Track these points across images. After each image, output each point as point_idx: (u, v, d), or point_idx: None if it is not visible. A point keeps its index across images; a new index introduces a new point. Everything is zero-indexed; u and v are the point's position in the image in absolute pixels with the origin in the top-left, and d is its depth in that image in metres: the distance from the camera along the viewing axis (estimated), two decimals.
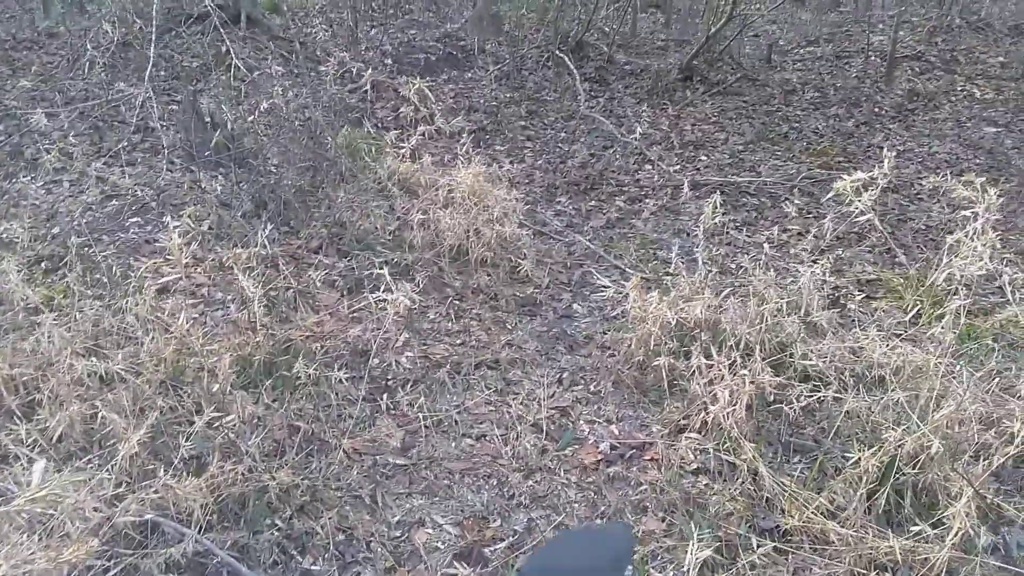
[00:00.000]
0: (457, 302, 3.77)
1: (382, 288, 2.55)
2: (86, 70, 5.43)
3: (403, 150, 4.32)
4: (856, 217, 2.62)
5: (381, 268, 2.68)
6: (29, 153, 4.77)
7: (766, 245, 3.11)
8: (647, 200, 5.16)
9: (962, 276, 2.36)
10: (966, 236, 2.39)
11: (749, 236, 4.58)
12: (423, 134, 4.24)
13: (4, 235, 3.43)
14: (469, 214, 4.03)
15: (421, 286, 3.48)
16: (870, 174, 2.64)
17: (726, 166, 5.82)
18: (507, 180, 4.34)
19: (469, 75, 7.23)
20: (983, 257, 2.35)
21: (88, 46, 5.57)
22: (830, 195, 2.73)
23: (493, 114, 6.46)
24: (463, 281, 3.93)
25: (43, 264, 3.61)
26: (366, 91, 5.25)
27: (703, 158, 6.00)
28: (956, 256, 2.37)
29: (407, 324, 3.42)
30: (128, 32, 5.23)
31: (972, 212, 2.43)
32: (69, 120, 4.93)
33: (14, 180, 4.43)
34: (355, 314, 3.45)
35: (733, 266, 4.10)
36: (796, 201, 4.57)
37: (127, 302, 2.80)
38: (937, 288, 2.71)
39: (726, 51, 7.74)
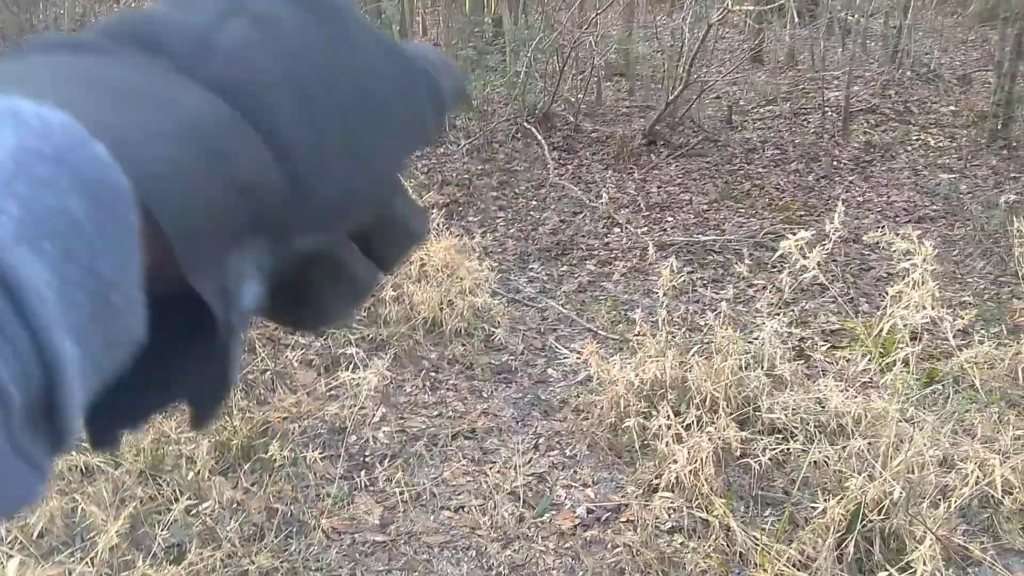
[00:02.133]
0: (433, 373, 3.85)
1: (356, 365, 2.64)
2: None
3: None
4: (804, 275, 2.75)
5: (356, 345, 2.77)
6: None
7: (724, 304, 3.23)
8: (616, 263, 5.30)
9: (906, 325, 2.48)
10: (906, 287, 2.52)
11: (716, 293, 4.71)
12: None
13: None
14: (442, 287, 4.14)
15: (396, 360, 3.56)
16: (818, 231, 2.79)
17: (692, 225, 6.01)
18: (480, 250, 4.48)
19: (441, 150, 7.46)
20: (925, 306, 2.48)
21: None
22: (778, 253, 2.87)
23: (465, 186, 6.65)
24: (439, 352, 4.01)
25: None
26: None
27: (669, 219, 6.19)
28: (898, 306, 2.49)
29: (383, 399, 3.49)
30: None
31: (911, 263, 2.57)
32: None
33: None
34: (332, 392, 3.52)
35: (701, 323, 4.21)
36: (755, 255, 4.73)
37: None
38: (891, 336, 2.83)
39: (687, 115, 8.04)
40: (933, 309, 2.47)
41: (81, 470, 2.68)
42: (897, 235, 2.61)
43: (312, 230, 0.33)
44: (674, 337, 3.38)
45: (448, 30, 8.29)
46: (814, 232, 2.91)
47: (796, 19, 9.73)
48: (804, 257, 2.73)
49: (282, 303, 0.37)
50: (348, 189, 0.33)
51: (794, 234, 2.85)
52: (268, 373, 3.53)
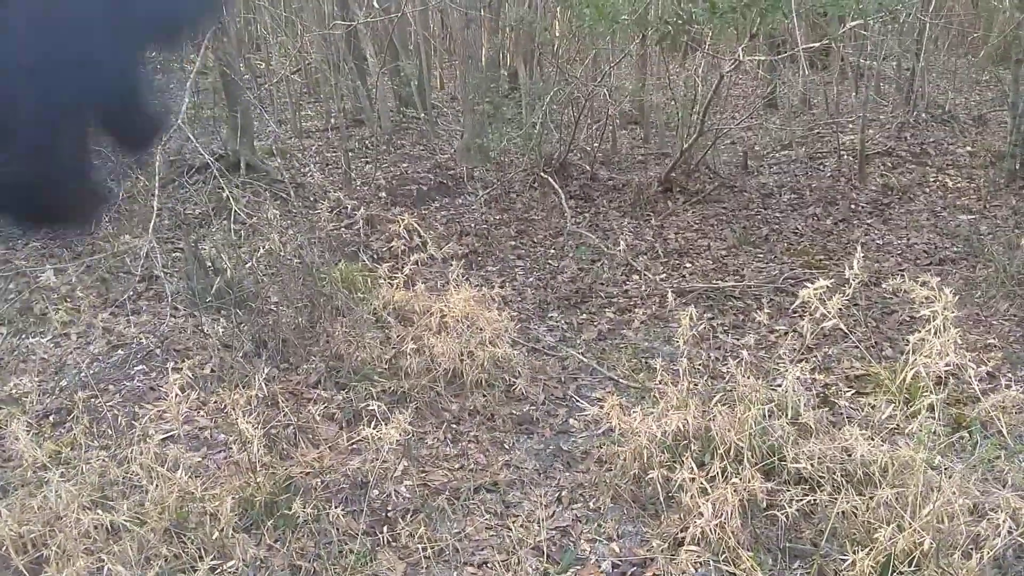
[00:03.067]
0: (454, 425, 3.85)
1: (378, 419, 2.65)
2: (93, 225, 5.73)
3: (397, 280, 4.51)
4: (825, 322, 2.75)
5: (377, 399, 2.79)
6: (38, 309, 4.98)
7: (745, 351, 3.22)
8: (636, 310, 5.31)
9: (929, 372, 2.46)
10: (928, 334, 2.51)
11: (737, 339, 4.69)
12: (416, 262, 4.44)
13: (13, 391, 3.57)
14: (462, 338, 4.17)
15: (418, 412, 3.57)
16: (838, 275, 2.79)
17: (710, 271, 6.01)
18: (499, 300, 4.51)
19: (460, 201, 7.57)
20: (947, 353, 2.46)
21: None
22: (799, 300, 2.87)
23: (484, 236, 6.72)
24: (459, 404, 4.01)
25: (51, 418, 3.72)
26: (360, 226, 5.51)
27: (688, 265, 6.20)
28: (920, 354, 2.47)
29: (405, 452, 3.49)
30: (133, 186, 5.56)
31: (932, 311, 2.56)
32: (77, 274, 5.17)
33: (24, 336, 4.61)
34: (354, 446, 3.53)
35: (723, 370, 4.19)
36: (775, 300, 4.71)
37: (132, 451, 2.90)
38: (915, 383, 2.80)
39: (703, 161, 8.11)
40: (956, 356, 2.45)
41: (106, 528, 2.70)
42: (916, 282, 2.61)
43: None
44: (696, 385, 3.36)
45: (465, 85, 8.47)
46: (834, 277, 2.91)
47: (807, 71, 9.84)
48: (824, 304, 2.73)
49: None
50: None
51: (814, 279, 2.85)
52: (291, 428, 3.55)
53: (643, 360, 4.60)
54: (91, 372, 3.94)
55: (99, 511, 2.64)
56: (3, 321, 4.80)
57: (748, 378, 3.21)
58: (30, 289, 5.14)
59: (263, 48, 10.72)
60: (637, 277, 5.92)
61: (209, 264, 4.91)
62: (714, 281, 5.73)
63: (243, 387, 3.20)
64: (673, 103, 9.04)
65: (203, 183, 6.43)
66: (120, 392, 3.92)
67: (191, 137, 4.88)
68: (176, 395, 2.71)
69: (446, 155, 8.43)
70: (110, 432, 3.19)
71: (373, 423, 2.99)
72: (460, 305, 4.30)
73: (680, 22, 6.14)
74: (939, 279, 2.64)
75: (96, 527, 2.64)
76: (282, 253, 4.66)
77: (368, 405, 3.75)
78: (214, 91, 7.79)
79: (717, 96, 7.65)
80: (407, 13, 8.61)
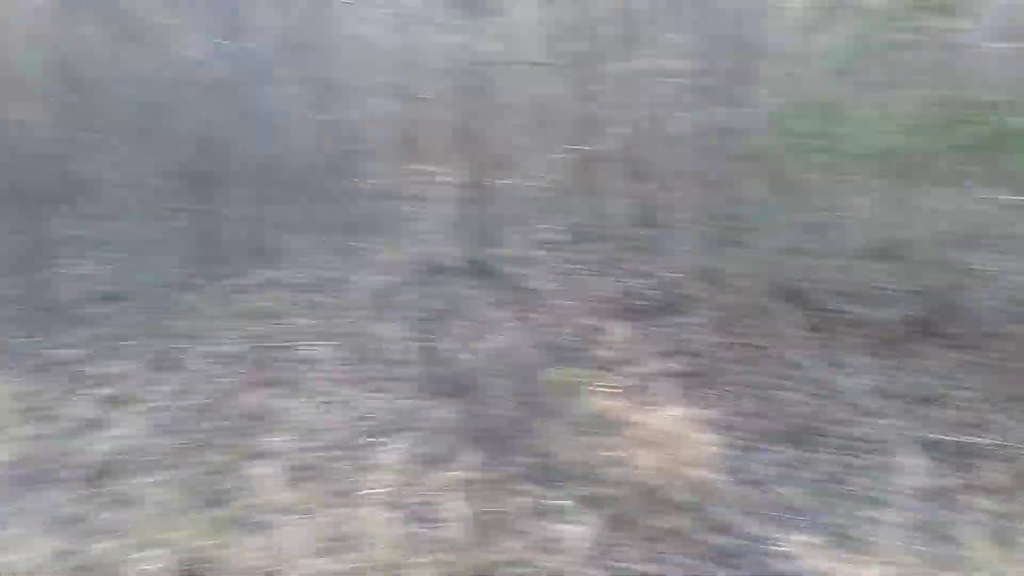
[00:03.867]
0: (648, 543, 3.78)
1: (571, 521, 2.73)
2: (354, 313, 6.64)
3: (610, 389, 4.63)
4: None
5: (571, 499, 2.88)
6: (298, 379, 5.75)
7: (983, 514, 2.86)
8: (864, 455, 4.90)
9: None
10: None
11: (983, 500, 4.14)
12: (632, 374, 4.54)
13: (271, 446, 4.15)
14: (668, 455, 4.14)
15: (612, 522, 3.58)
16: None
17: (959, 425, 5.39)
18: (712, 424, 4.43)
19: (683, 320, 7.56)
20: None
21: (358, 295, 6.89)
22: None
23: (703, 357, 6.63)
24: (656, 522, 3.94)
25: (299, 471, 4.24)
26: (581, 334, 5.76)
27: (934, 414, 5.62)
28: None
29: (592, 560, 3.49)
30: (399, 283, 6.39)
31: None
32: (336, 352, 5.94)
33: (286, 398, 5.34)
34: (547, 544, 3.60)
35: (953, 534, 3.71)
36: None
37: (357, 512, 3.23)
38: None
39: (961, 301, 7.40)
40: None
41: None
42: None
43: None
44: (918, 545, 3.04)
45: (694, 209, 8.62)
46: None
47: None
48: None
49: None
50: None
51: None
52: (493, 515, 3.72)
53: (866, 511, 4.21)
54: (333, 438, 4.47)
55: (323, 559, 2.96)
56: (270, 383, 5.60)
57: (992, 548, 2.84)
58: (298, 359, 5.98)
59: (507, 162, 11.78)
60: (870, 420, 5.47)
61: (442, 355, 5.40)
62: (963, 435, 5.13)
63: (456, 469, 3.46)
64: (928, 236, 8.43)
65: (445, 282, 7.15)
66: (355, 457, 4.38)
67: (440, 241, 5.53)
68: (399, 467, 3.01)
69: (673, 274, 8.53)
70: (343, 491, 3.58)
71: (570, 524, 3.08)
72: (670, 422, 4.31)
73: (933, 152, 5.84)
74: None
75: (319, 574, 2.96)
76: (506, 351, 5.01)
77: (567, 505, 3.86)
78: (464, 201, 8.70)
79: (981, 231, 7.04)
80: (641, 140, 9.04)
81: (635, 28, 8.95)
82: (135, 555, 3.42)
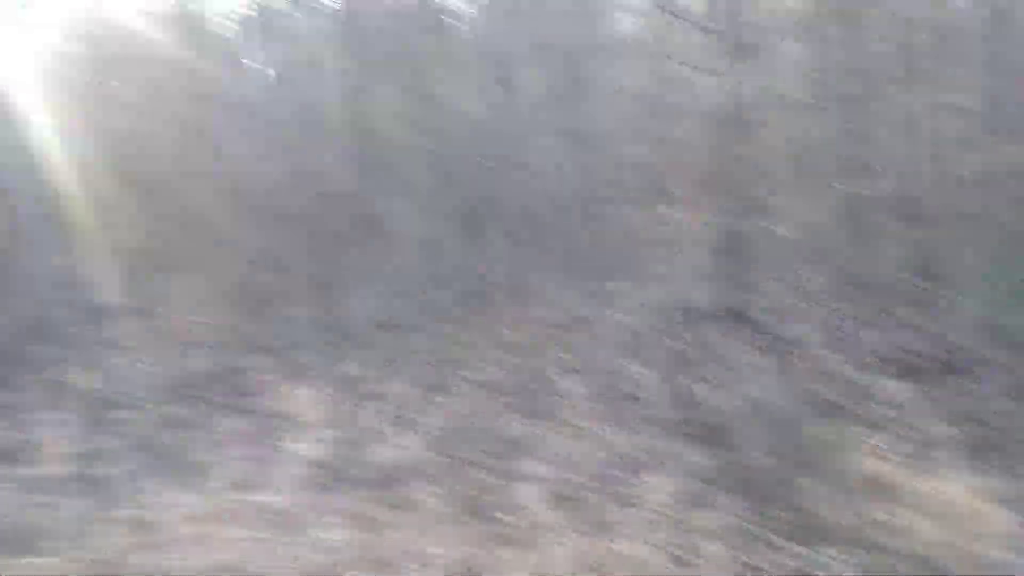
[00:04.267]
0: None
1: None
2: (605, 352, 6.88)
3: (884, 452, 4.30)
4: None
5: (838, 564, 2.73)
6: (552, 410, 6.01)
7: None
8: None
9: None
10: None
11: None
12: (909, 438, 4.19)
13: (531, 470, 4.37)
14: (949, 527, 3.74)
15: None
16: None
17: None
18: (1001, 498, 3.93)
19: (965, 382, 6.78)
20: None
21: (609, 334, 7.13)
22: None
23: (990, 426, 5.88)
24: None
25: (557, 497, 4.45)
26: (846, 389, 5.40)
27: None
28: None
29: None
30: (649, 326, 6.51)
31: None
32: (589, 389, 6.17)
33: (542, 427, 5.61)
34: None
35: None
36: None
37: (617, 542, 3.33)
38: None
39: None
40: None
41: None
42: None
43: None
44: None
45: (982, 258, 7.73)
46: None
47: None
48: None
49: None
50: None
51: None
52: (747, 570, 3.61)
53: None
54: (589, 467, 4.63)
55: None
56: (526, 411, 5.92)
57: None
58: (547, 394, 6.27)
59: (766, 206, 11.37)
60: None
61: (696, 398, 5.36)
62: None
63: (713, 516, 3.42)
64: None
65: (696, 327, 7.06)
66: (611, 490, 4.48)
67: (692, 285, 5.52)
68: (655, 506, 3.06)
69: (957, 330, 7.67)
70: (601, 520, 3.70)
71: None
72: (952, 492, 3.90)
73: None
74: None
75: None
76: (761, 401, 4.85)
77: (834, 568, 3.62)
78: (719, 245, 8.56)
79: None
80: (920, 182, 8.32)
81: (914, 63, 8.34)
82: (414, 554, 3.80)
